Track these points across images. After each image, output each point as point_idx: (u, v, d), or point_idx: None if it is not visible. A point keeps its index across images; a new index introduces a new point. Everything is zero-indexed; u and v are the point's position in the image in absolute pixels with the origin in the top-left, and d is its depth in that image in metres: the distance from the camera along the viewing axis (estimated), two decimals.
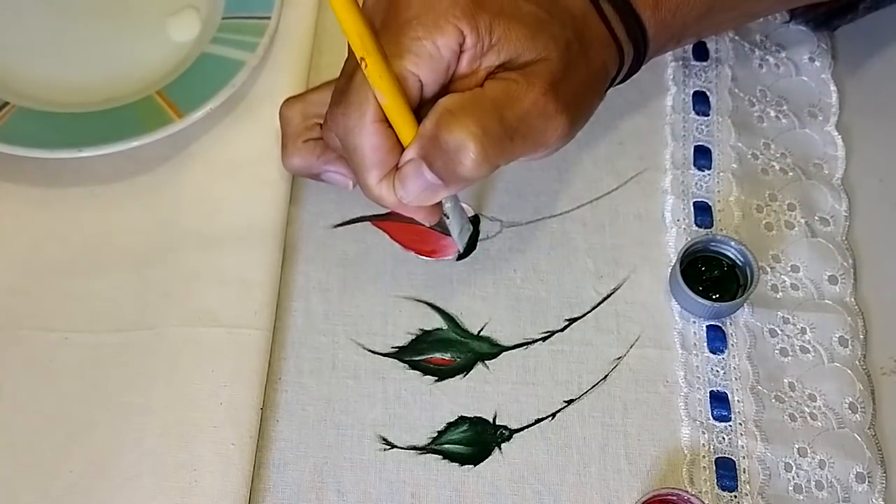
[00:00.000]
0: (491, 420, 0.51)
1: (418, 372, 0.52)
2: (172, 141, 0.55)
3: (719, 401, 0.51)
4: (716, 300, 0.52)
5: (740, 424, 0.50)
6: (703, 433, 0.50)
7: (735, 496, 0.49)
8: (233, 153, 0.56)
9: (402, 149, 0.45)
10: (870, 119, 0.59)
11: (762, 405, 0.51)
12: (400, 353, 0.52)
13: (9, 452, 0.48)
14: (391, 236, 0.54)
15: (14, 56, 0.58)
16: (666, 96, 0.60)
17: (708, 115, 0.59)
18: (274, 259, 0.53)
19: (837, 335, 0.53)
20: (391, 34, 0.44)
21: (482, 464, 0.50)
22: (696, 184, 0.57)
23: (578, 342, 0.52)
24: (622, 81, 0.52)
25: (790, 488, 0.49)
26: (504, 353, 0.52)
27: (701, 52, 0.61)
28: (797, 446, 0.50)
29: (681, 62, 0.60)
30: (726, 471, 0.49)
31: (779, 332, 0.53)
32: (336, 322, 0.53)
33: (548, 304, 0.53)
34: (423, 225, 0.50)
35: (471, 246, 0.55)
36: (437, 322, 0.53)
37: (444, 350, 0.52)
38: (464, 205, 0.55)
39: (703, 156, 0.57)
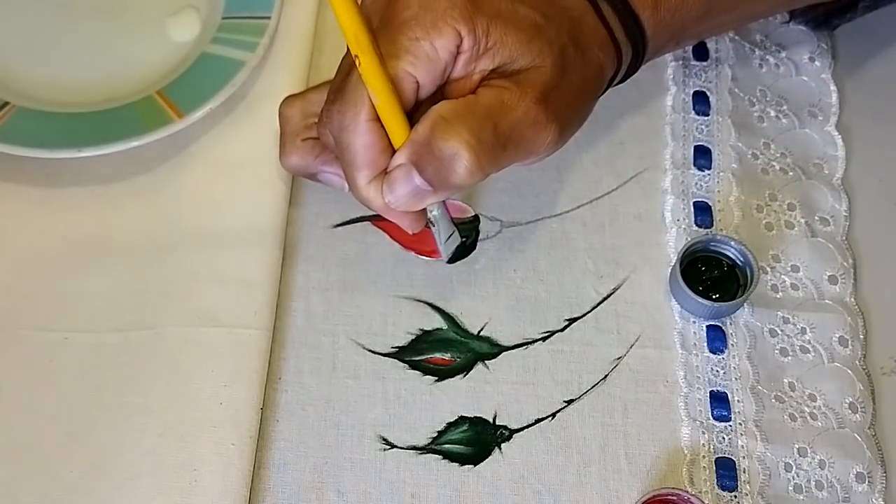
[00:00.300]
0: (491, 420, 0.51)
1: (418, 372, 0.52)
2: (172, 141, 0.55)
3: (719, 401, 0.51)
4: (716, 300, 0.52)
5: (740, 424, 0.50)
6: (703, 433, 0.50)
7: (735, 496, 0.49)
8: (233, 153, 0.56)
9: (394, 150, 0.45)
10: (870, 119, 0.59)
11: (762, 405, 0.51)
12: (400, 353, 0.52)
13: (9, 452, 0.48)
14: (391, 236, 0.54)
15: (14, 56, 0.58)
16: (666, 96, 0.60)
17: (708, 115, 0.59)
18: (274, 259, 0.53)
19: (837, 335, 0.53)
20: (389, 34, 0.44)
21: (482, 464, 0.50)
22: (696, 184, 0.57)
23: (578, 342, 0.52)
24: (621, 82, 0.52)
25: (790, 488, 0.49)
26: (504, 353, 0.52)
27: (701, 52, 0.61)
28: (797, 446, 0.50)
29: (681, 62, 0.60)
30: (726, 471, 0.49)
31: (779, 332, 0.53)
32: (336, 322, 0.53)
33: (548, 304, 0.53)
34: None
35: (470, 246, 0.55)
36: (437, 322, 0.53)
37: (444, 350, 0.52)
38: (464, 205, 0.55)
39: (703, 156, 0.57)
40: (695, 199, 0.56)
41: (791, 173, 0.57)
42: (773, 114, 0.59)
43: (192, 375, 0.49)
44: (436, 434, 0.50)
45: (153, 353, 0.50)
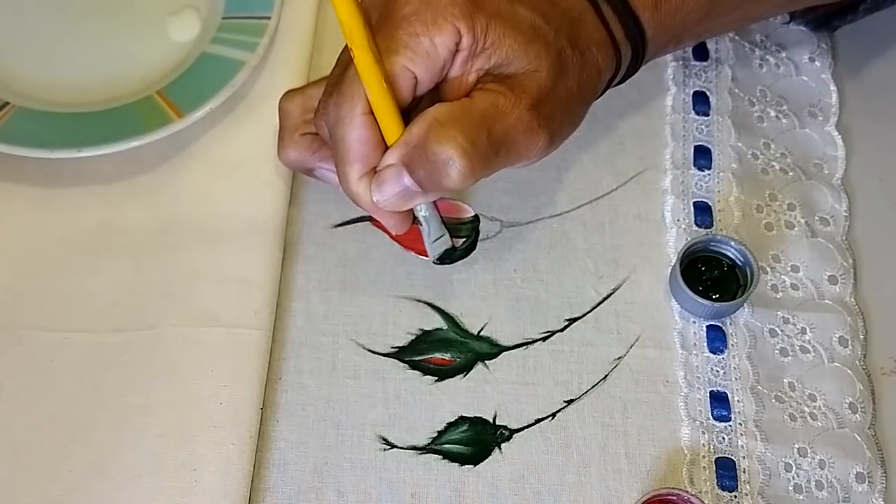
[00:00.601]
0: (491, 420, 0.51)
1: (418, 372, 0.52)
2: (172, 141, 0.55)
3: (719, 401, 0.51)
4: (716, 300, 0.52)
5: (740, 424, 0.50)
6: (703, 433, 0.50)
7: (735, 496, 0.49)
8: (233, 153, 0.56)
9: (387, 147, 0.45)
10: (870, 119, 0.59)
11: (762, 405, 0.51)
12: (400, 353, 0.52)
13: (9, 452, 0.48)
14: (391, 236, 0.54)
15: (14, 56, 0.58)
16: (666, 96, 0.60)
17: (708, 115, 0.59)
18: (274, 259, 0.53)
19: (837, 335, 0.53)
20: (388, 29, 0.44)
21: (482, 464, 0.50)
22: (696, 184, 0.57)
23: (578, 342, 0.52)
24: (620, 83, 0.52)
25: (790, 488, 0.49)
26: (504, 353, 0.52)
27: (701, 53, 0.61)
28: (797, 446, 0.50)
29: (681, 62, 0.60)
30: (726, 471, 0.49)
31: (779, 332, 0.53)
32: (336, 322, 0.53)
33: (548, 304, 0.53)
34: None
35: (470, 246, 0.55)
36: (437, 322, 0.53)
37: (444, 350, 0.52)
38: (464, 205, 0.55)
39: (703, 156, 0.57)
40: (695, 199, 0.56)
41: (791, 173, 0.57)
42: (773, 114, 0.59)
43: (192, 375, 0.49)
44: (436, 434, 0.50)
45: (153, 353, 0.50)
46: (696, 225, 0.55)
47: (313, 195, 0.56)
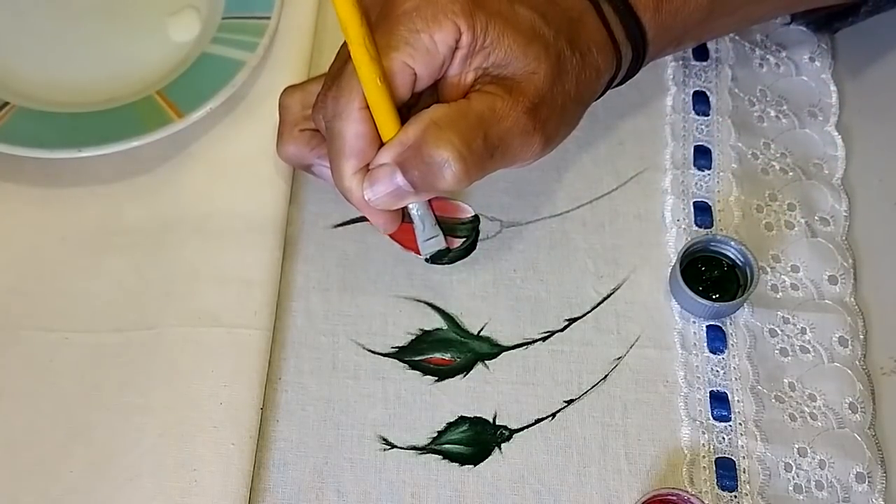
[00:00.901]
0: (491, 420, 0.51)
1: (418, 372, 0.52)
2: (172, 141, 0.55)
3: (719, 401, 0.51)
4: (716, 300, 0.52)
5: (740, 424, 0.50)
6: (703, 433, 0.50)
7: (735, 496, 0.49)
8: (233, 153, 0.56)
9: (382, 143, 0.45)
10: (870, 119, 0.59)
11: (762, 405, 0.51)
12: (400, 353, 0.52)
13: (9, 452, 0.48)
14: (391, 236, 0.54)
15: (14, 56, 0.58)
16: (666, 96, 0.60)
17: (708, 115, 0.59)
18: (274, 259, 0.53)
19: (837, 335, 0.53)
20: (388, 25, 0.44)
21: (482, 464, 0.50)
22: (696, 184, 0.57)
23: (578, 342, 0.52)
24: (620, 84, 0.52)
25: (790, 488, 0.49)
26: (504, 353, 0.52)
27: (701, 52, 0.61)
28: (797, 446, 0.50)
29: (681, 62, 0.60)
30: (726, 471, 0.49)
31: (779, 332, 0.53)
32: (336, 322, 0.53)
33: (548, 304, 0.53)
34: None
35: (470, 246, 0.55)
36: (437, 322, 0.53)
37: (444, 350, 0.52)
38: (464, 205, 0.55)
39: (703, 156, 0.57)
40: (695, 199, 0.56)
41: (791, 173, 0.57)
42: (773, 114, 0.59)
43: (192, 375, 0.49)
44: (436, 434, 0.50)
45: (153, 353, 0.50)
46: (696, 225, 0.55)
47: (313, 195, 0.56)
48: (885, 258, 0.55)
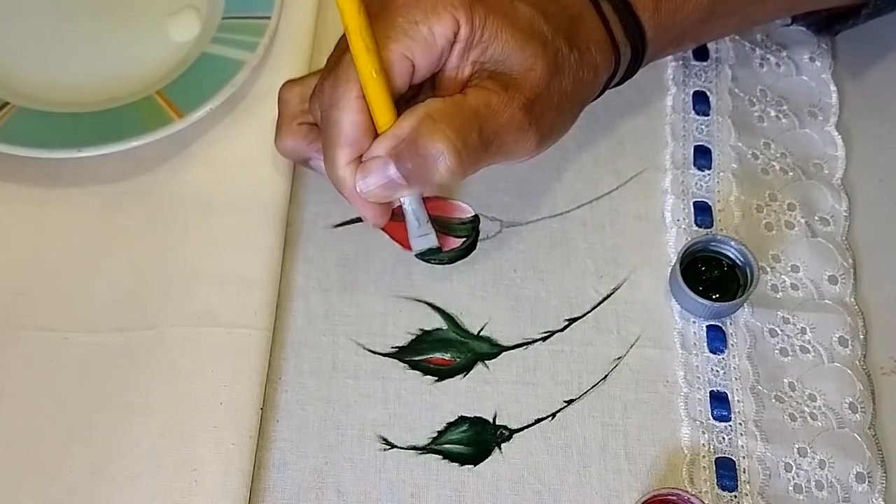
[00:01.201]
0: (491, 420, 0.51)
1: (418, 372, 0.52)
2: (172, 141, 0.55)
3: (719, 401, 0.51)
4: (716, 300, 0.52)
5: (740, 424, 0.50)
6: (703, 433, 0.50)
7: (735, 496, 0.49)
8: (233, 153, 0.56)
9: (377, 134, 0.45)
10: (870, 119, 0.59)
11: (762, 405, 0.51)
12: (400, 353, 0.52)
13: (9, 452, 0.48)
14: (391, 236, 0.54)
15: (14, 56, 0.58)
16: (666, 96, 0.60)
17: (708, 115, 0.59)
18: (274, 259, 0.53)
19: (837, 335, 0.53)
20: (387, 16, 0.44)
21: (482, 464, 0.50)
22: (696, 184, 0.57)
23: (578, 342, 0.52)
24: (619, 83, 0.52)
25: (790, 488, 0.49)
26: (504, 353, 0.52)
27: (701, 52, 0.61)
28: (797, 446, 0.50)
29: (681, 62, 0.60)
30: (726, 471, 0.49)
31: (779, 332, 0.53)
32: (336, 322, 0.53)
33: (548, 304, 0.53)
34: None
35: (470, 246, 0.55)
36: (437, 322, 0.53)
37: (444, 350, 0.52)
38: (464, 204, 0.55)
39: (703, 156, 0.57)
40: (695, 199, 0.56)
41: (791, 173, 0.57)
42: (773, 114, 0.59)
43: (192, 375, 0.49)
44: (436, 434, 0.50)
45: (153, 353, 0.50)
46: (696, 225, 0.55)
47: (313, 195, 0.56)
48: (885, 258, 0.55)
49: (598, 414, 0.51)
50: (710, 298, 0.52)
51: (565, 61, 0.46)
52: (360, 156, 0.46)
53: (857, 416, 0.51)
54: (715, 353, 0.52)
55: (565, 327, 0.53)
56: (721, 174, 0.57)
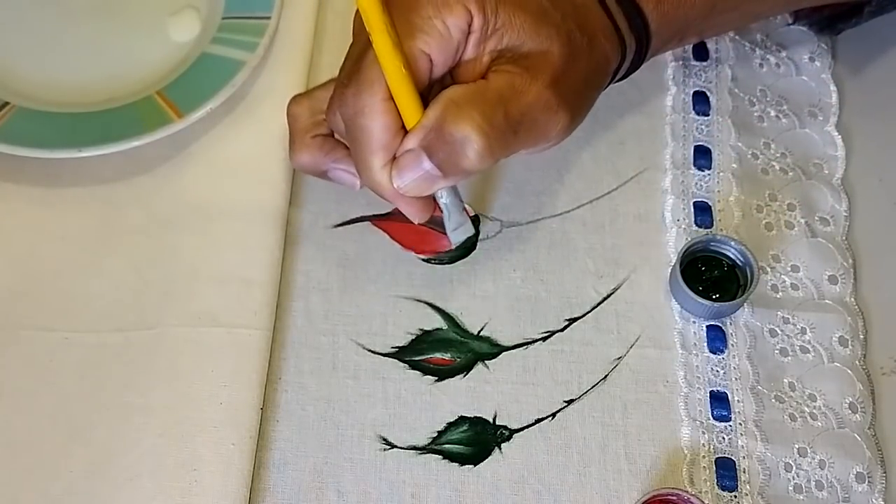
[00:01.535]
0: (491, 420, 0.51)
1: (418, 372, 0.52)
2: (172, 141, 0.55)
3: (719, 401, 0.51)
4: (716, 300, 0.52)
5: (740, 424, 0.50)
6: (703, 433, 0.50)
7: (735, 496, 0.49)
8: (233, 153, 0.56)
9: (406, 131, 0.45)
10: (870, 119, 0.59)
11: (762, 405, 0.51)
12: (400, 353, 0.52)
13: (9, 452, 0.48)
14: (391, 236, 0.54)
15: (14, 56, 0.58)
16: (666, 96, 0.60)
17: (708, 115, 0.59)
18: (274, 259, 0.53)
19: (837, 335, 0.53)
20: (400, 14, 0.44)
21: (482, 464, 0.50)
22: (696, 184, 0.57)
23: (578, 342, 0.52)
24: (623, 77, 0.52)
25: (790, 488, 0.49)
26: (504, 353, 0.52)
27: (701, 52, 0.61)
28: (797, 446, 0.50)
29: (681, 62, 0.60)
30: (726, 471, 0.49)
31: (779, 332, 0.53)
32: (336, 322, 0.53)
33: (548, 304, 0.53)
34: (422, 224, 0.50)
35: (470, 247, 0.55)
36: (437, 322, 0.53)
37: (444, 350, 0.52)
38: (464, 204, 0.55)
39: (703, 156, 0.57)
40: (695, 199, 0.56)
41: (791, 173, 0.57)
42: (773, 114, 0.59)
43: (192, 375, 0.49)
44: (436, 434, 0.50)
45: (153, 353, 0.50)
46: (696, 225, 0.55)
47: (313, 195, 0.56)
48: (885, 258, 0.55)
49: (598, 414, 0.51)
50: (710, 298, 0.52)
51: (578, 45, 0.46)
52: (394, 157, 0.46)
53: (857, 416, 0.51)
54: (715, 353, 0.52)
55: (565, 327, 0.53)
56: (721, 174, 0.57)
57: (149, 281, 0.52)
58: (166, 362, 0.50)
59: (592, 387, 0.51)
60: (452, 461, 0.50)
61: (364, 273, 0.54)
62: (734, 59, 0.60)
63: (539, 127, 0.46)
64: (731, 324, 0.53)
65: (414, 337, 0.52)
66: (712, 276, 0.53)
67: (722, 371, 0.52)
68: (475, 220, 0.55)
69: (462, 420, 0.50)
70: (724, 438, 0.50)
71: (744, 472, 0.49)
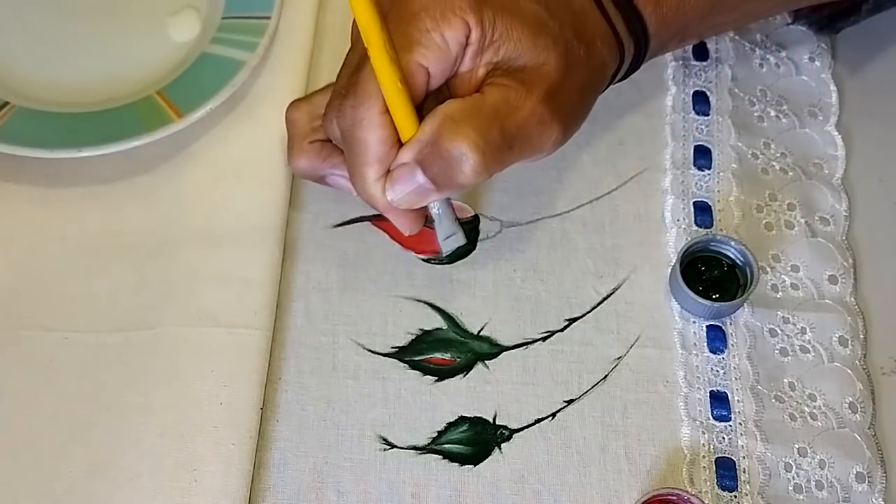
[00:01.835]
0: (491, 420, 0.51)
1: (418, 372, 0.52)
2: (172, 141, 0.55)
3: (719, 401, 0.51)
4: (716, 300, 0.52)
5: (740, 424, 0.50)
6: (703, 433, 0.50)
7: (735, 496, 0.49)
8: (233, 153, 0.56)
9: (402, 145, 0.45)
10: (870, 119, 0.59)
11: (762, 405, 0.51)
12: (400, 353, 0.52)
13: (9, 452, 0.48)
14: (391, 236, 0.54)
15: (14, 56, 0.58)
16: (666, 96, 0.60)
17: (708, 115, 0.59)
18: (274, 259, 0.53)
19: (837, 335, 0.53)
20: (400, 27, 0.44)
21: (482, 464, 0.50)
22: (696, 184, 0.57)
23: (578, 342, 0.52)
24: (622, 79, 0.52)
25: (790, 488, 0.49)
26: (504, 353, 0.52)
27: (701, 52, 0.61)
28: (797, 446, 0.50)
29: (681, 62, 0.60)
30: (726, 471, 0.49)
31: (779, 331, 0.53)
32: (336, 322, 0.53)
33: (548, 304, 0.53)
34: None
35: (470, 247, 0.55)
36: (437, 322, 0.53)
37: (444, 350, 0.52)
38: (464, 205, 0.55)
39: (703, 156, 0.57)
40: (695, 199, 0.56)
41: (791, 173, 0.57)
42: (773, 114, 0.59)
43: (192, 375, 0.49)
44: (436, 434, 0.50)
45: (153, 353, 0.50)
46: (696, 225, 0.55)
47: (313, 196, 0.56)
48: (885, 258, 0.55)
49: (598, 414, 0.51)
50: (710, 298, 0.52)
51: (575, 53, 0.46)
52: (388, 170, 0.46)
53: (857, 416, 0.51)
54: (715, 353, 0.52)
55: (565, 327, 0.53)
56: (721, 174, 0.57)
57: (149, 281, 0.52)
58: (166, 362, 0.50)
59: (592, 387, 0.51)
60: (452, 461, 0.50)
61: (364, 273, 0.54)
62: (734, 59, 0.60)
63: (533, 141, 0.46)
64: (731, 324, 0.53)
65: (414, 337, 0.52)
66: (712, 276, 0.53)
67: (722, 371, 0.52)
68: (475, 220, 0.55)
69: (462, 420, 0.51)
70: (724, 438, 0.50)
71: (744, 472, 0.49)
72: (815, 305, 0.53)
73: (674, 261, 0.53)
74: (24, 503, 0.47)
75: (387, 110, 0.44)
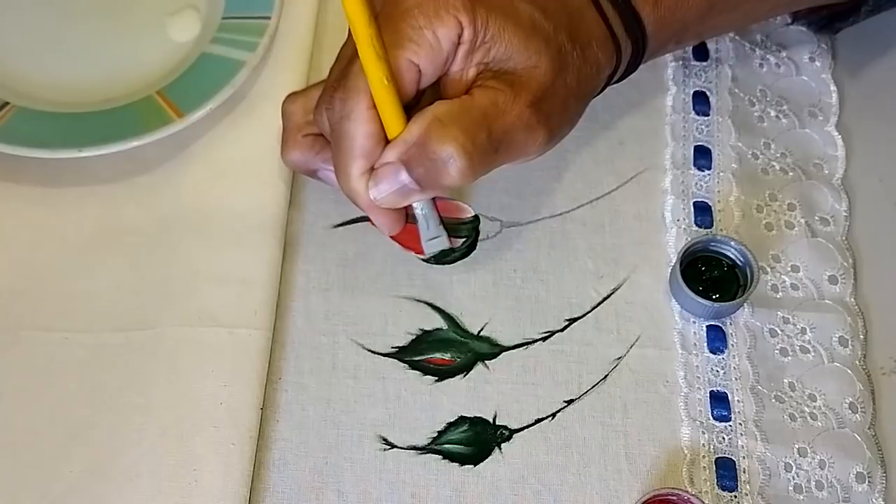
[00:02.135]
0: (491, 420, 0.51)
1: (418, 372, 0.52)
2: (172, 141, 0.55)
3: (719, 401, 0.51)
4: (716, 300, 0.52)
5: (740, 424, 0.50)
6: (703, 433, 0.50)
7: (735, 496, 0.49)
8: (233, 153, 0.56)
9: (388, 142, 0.45)
10: (870, 119, 0.59)
11: (762, 405, 0.51)
12: (400, 353, 0.52)
13: (9, 452, 0.48)
14: (391, 236, 0.54)
15: (14, 56, 0.58)
16: (666, 96, 0.60)
17: (708, 115, 0.59)
18: (274, 259, 0.53)
19: (837, 335, 0.53)
20: (391, 23, 0.44)
21: (482, 464, 0.50)
22: (696, 184, 0.57)
23: (578, 342, 0.52)
24: (620, 80, 0.52)
25: (790, 488, 0.49)
26: (504, 353, 0.52)
27: (701, 52, 0.61)
28: (797, 446, 0.50)
29: (681, 62, 0.60)
30: (726, 471, 0.49)
31: (779, 332, 0.53)
32: (336, 322, 0.53)
33: (548, 304, 0.53)
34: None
35: (471, 246, 0.55)
36: (437, 322, 0.53)
37: (444, 350, 0.52)
38: (463, 205, 0.55)
39: (703, 156, 0.57)
40: (695, 199, 0.56)
41: (791, 173, 0.57)
42: (773, 114, 0.59)
43: (192, 375, 0.49)
44: (436, 434, 0.50)
45: (153, 353, 0.50)
46: (696, 225, 0.55)
47: (313, 195, 0.56)
48: (885, 258, 0.55)
49: (598, 414, 0.51)
50: (710, 298, 0.52)
51: (568, 57, 0.46)
52: (373, 166, 0.46)
53: (857, 416, 0.51)
54: (715, 353, 0.52)
55: (565, 327, 0.53)
56: (721, 174, 0.57)
57: (149, 281, 0.52)
58: (166, 362, 0.50)
59: (592, 387, 0.51)
60: (452, 461, 0.50)
61: (364, 273, 0.54)
62: (734, 59, 0.60)
63: (518, 145, 0.46)
64: (731, 324, 0.53)
65: (414, 337, 0.52)
66: (712, 276, 0.53)
67: (722, 371, 0.52)
68: (475, 220, 0.55)
69: (462, 420, 0.51)
70: (724, 438, 0.50)
71: (744, 472, 0.49)
72: (815, 305, 0.53)
73: (674, 261, 0.53)
74: (23, 503, 0.47)
75: (374, 105, 0.45)
